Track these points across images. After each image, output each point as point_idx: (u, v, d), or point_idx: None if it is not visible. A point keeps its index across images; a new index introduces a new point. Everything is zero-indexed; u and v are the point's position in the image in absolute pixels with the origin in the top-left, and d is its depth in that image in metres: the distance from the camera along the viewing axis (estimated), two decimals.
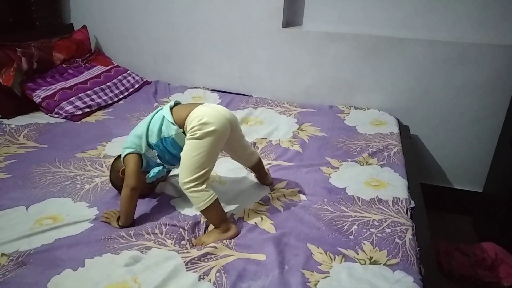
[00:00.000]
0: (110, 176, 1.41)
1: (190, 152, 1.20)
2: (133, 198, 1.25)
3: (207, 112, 1.23)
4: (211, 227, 1.28)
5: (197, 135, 1.20)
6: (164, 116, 1.28)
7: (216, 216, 1.23)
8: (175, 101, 1.35)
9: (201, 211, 1.23)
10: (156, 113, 1.32)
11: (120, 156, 1.35)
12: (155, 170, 1.30)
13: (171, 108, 1.30)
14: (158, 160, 1.31)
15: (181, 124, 1.25)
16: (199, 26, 2.39)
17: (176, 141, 1.27)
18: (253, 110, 2.19)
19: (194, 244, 1.21)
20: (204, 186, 1.20)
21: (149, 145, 1.29)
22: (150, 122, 1.30)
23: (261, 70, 2.39)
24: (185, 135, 1.24)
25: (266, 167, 1.64)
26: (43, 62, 2.19)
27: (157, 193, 1.44)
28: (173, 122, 1.26)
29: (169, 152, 1.29)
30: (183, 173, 1.20)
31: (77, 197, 1.38)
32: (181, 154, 1.23)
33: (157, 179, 1.37)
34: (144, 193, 1.40)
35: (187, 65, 2.53)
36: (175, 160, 1.31)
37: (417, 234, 1.28)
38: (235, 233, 1.23)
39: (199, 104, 1.28)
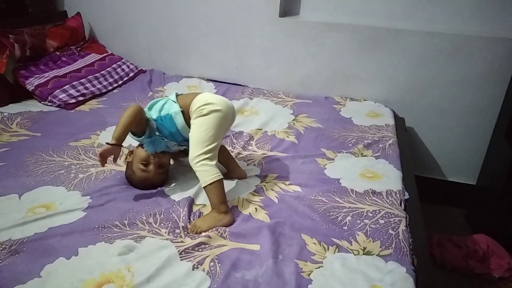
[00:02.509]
0: (126, 173, 1.41)
1: (198, 128, 1.29)
2: (129, 113, 1.28)
3: (212, 96, 1.37)
4: (206, 212, 1.29)
5: (203, 112, 1.30)
6: (169, 98, 1.40)
7: (218, 195, 1.24)
8: (177, 92, 1.44)
9: (205, 187, 1.25)
10: (161, 98, 1.43)
11: (127, 172, 1.42)
12: (152, 139, 1.35)
13: (176, 95, 1.42)
14: (157, 133, 1.37)
15: (185, 108, 1.35)
16: (195, 14, 2.37)
17: (174, 119, 1.35)
18: (249, 101, 2.18)
19: (188, 229, 1.22)
20: (213, 162, 1.27)
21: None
22: (153, 102, 1.40)
23: (257, 60, 2.38)
24: (187, 117, 1.34)
25: (261, 157, 1.64)
26: (36, 49, 2.16)
27: None
28: (175, 101, 1.37)
29: (167, 129, 1.36)
30: (193, 148, 1.27)
31: (70, 185, 1.37)
32: (190, 133, 1.31)
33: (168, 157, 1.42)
34: (157, 179, 1.39)
35: (183, 54, 2.50)
36: (173, 138, 1.39)
37: (411, 225, 1.29)
38: (230, 220, 1.24)
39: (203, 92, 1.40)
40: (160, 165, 1.38)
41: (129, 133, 1.35)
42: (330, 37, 2.19)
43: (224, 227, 1.22)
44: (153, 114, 1.37)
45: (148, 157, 1.35)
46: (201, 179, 1.26)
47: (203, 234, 1.19)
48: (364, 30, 2.13)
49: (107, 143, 1.26)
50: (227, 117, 1.35)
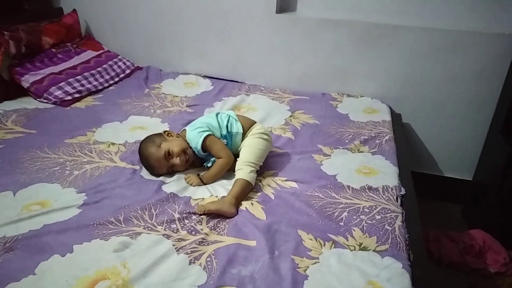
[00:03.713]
0: (147, 157, 1.42)
1: (257, 145, 1.47)
2: (227, 167, 1.45)
3: (267, 129, 1.61)
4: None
5: (264, 137, 1.51)
6: (230, 116, 1.55)
7: (241, 191, 1.33)
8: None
9: (238, 179, 1.35)
10: (218, 113, 1.56)
11: (150, 137, 1.48)
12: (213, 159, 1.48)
13: None
14: None
15: (244, 128, 1.53)
16: (192, 11, 2.35)
17: (234, 137, 1.52)
18: (246, 97, 2.17)
19: (196, 211, 1.26)
20: (255, 175, 1.41)
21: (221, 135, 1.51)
22: (217, 117, 1.53)
23: (254, 56, 2.37)
24: (241, 138, 1.52)
25: None
26: (31, 46, 2.15)
27: (148, 179, 1.43)
28: (238, 120, 1.54)
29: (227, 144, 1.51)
30: (247, 155, 1.43)
31: (65, 182, 1.37)
32: (248, 145, 1.47)
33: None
34: (160, 166, 1.43)
35: (179, 50, 2.49)
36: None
37: (407, 221, 1.29)
38: (233, 214, 1.27)
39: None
40: (175, 166, 1.43)
41: (195, 148, 1.46)
42: (327, 34, 2.18)
43: (222, 225, 1.22)
44: (222, 131, 1.51)
45: (181, 152, 1.42)
46: (240, 172, 1.37)
47: (202, 231, 1.18)
48: (360, 26, 2.12)
49: (201, 179, 1.42)
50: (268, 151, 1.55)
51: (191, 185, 1.40)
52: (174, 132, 1.52)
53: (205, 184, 1.42)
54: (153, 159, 1.41)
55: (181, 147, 1.43)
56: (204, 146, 1.44)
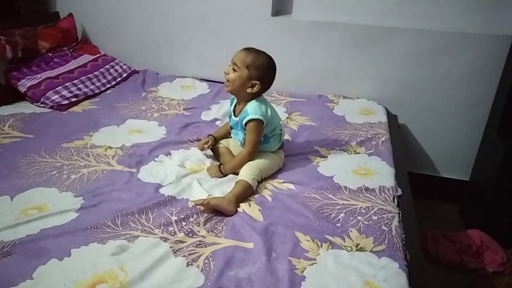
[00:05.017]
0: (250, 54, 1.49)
1: (271, 161, 1.51)
2: (247, 161, 1.48)
3: None
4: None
5: (280, 162, 1.56)
6: (282, 133, 1.57)
7: (242, 192, 1.36)
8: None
9: (241, 181, 1.38)
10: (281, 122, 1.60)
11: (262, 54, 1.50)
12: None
13: None
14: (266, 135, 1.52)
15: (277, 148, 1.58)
16: (188, 14, 2.36)
17: (263, 144, 1.52)
18: None
19: (196, 203, 1.29)
20: (257, 183, 1.44)
21: (264, 135, 1.51)
22: (279, 122, 1.57)
23: None
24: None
25: None
26: (28, 50, 2.15)
27: (145, 182, 1.43)
28: (280, 141, 1.57)
29: (266, 143, 1.54)
30: (259, 164, 1.46)
31: (63, 187, 1.37)
32: (264, 155, 1.51)
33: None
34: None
35: (176, 54, 2.50)
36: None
37: (404, 221, 1.30)
38: (232, 212, 1.29)
39: None
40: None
41: (243, 115, 1.47)
42: (322, 36, 2.20)
43: (219, 226, 1.23)
44: (269, 130, 1.51)
45: (231, 71, 1.48)
46: (244, 175, 1.40)
47: (199, 233, 1.19)
48: (356, 28, 2.13)
49: (220, 170, 1.49)
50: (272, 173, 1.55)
51: (211, 175, 1.49)
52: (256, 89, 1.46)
53: (223, 174, 1.49)
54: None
55: (235, 76, 1.47)
56: (247, 124, 1.45)
